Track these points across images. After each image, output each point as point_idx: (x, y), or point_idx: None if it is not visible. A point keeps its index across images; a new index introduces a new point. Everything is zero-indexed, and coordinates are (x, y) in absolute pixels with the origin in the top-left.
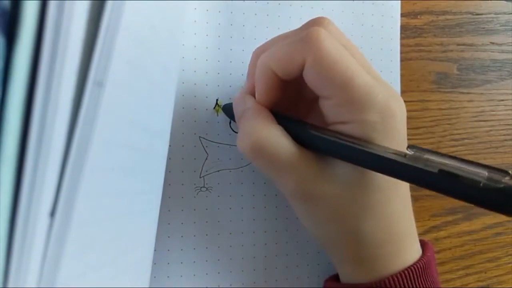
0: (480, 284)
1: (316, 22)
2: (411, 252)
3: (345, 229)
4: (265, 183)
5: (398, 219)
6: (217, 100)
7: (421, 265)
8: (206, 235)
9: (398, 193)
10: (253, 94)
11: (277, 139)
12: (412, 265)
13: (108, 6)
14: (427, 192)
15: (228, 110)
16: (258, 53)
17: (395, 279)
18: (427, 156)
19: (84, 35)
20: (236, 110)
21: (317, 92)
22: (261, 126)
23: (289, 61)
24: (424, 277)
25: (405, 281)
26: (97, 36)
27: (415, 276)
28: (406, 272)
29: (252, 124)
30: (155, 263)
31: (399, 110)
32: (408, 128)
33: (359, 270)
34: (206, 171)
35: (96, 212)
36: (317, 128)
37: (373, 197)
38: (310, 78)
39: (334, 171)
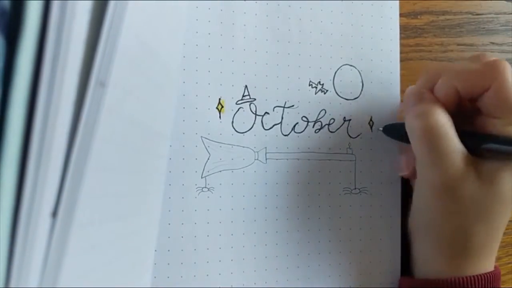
0: None
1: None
2: (490, 262)
3: (468, 225)
4: (266, 183)
5: (502, 229)
6: (219, 99)
7: (497, 273)
8: (207, 236)
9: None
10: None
11: (450, 129)
12: (490, 272)
13: (111, 6)
14: None
15: (390, 131)
16: (436, 71)
17: (476, 279)
18: None
19: (86, 36)
20: (413, 97)
21: (489, 112)
22: (440, 112)
23: (475, 83)
24: (495, 284)
25: (482, 283)
26: (100, 36)
27: (490, 282)
28: (485, 276)
29: (432, 107)
30: (155, 264)
31: None
32: None
33: (451, 266)
34: (208, 172)
35: (97, 212)
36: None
37: (503, 205)
38: (489, 100)
39: (489, 174)
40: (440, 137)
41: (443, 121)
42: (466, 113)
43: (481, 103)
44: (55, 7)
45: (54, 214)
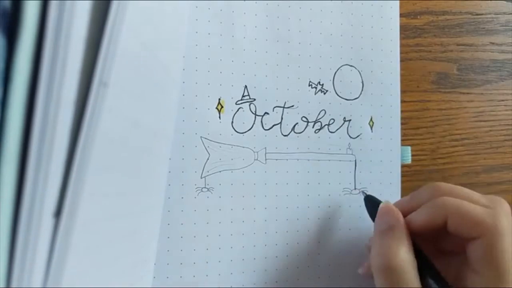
0: None
1: (500, 205)
2: None
3: None
4: (265, 184)
5: None
6: (219, 99)
7: None
8: (207, 236)
9: None
10: (402, 211)
11: (410, 275)
12: None
13: (113, 7)
14: None
15: (369, 203)
16: (438, 188)
17: None
18: None
19: (86, 36)
20: (383, 221)
21: (471, 263)
22: (401, 254)
23: (467, 225)
24: None
25: None
26: (102, 37)
27: None
28: None
29: (394, 247)
30: (154, 264)
31: None
32: (408, 128)
33: None
34: (208, 172)
35: (99, 212)
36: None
37: None
38: (474, 252)
39: None
40: (399, 279)
41: (403, 263)
42: (450, 248)
43: (469, 250)
44: (53, 7)
45: (57, 214)
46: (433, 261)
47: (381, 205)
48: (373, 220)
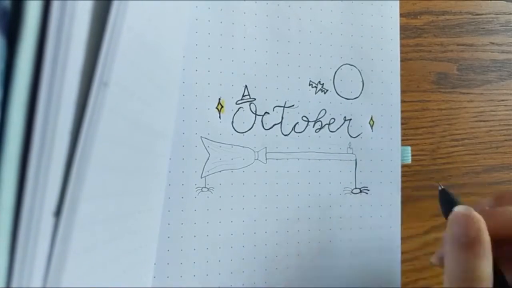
0: None
1: None
2: None
3: None
4: (266, 183)
5: None
6: (219, 99)
7: None
8: (207, 236)
9: None
10: (486, 219)
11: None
12: None
13: (114, 6)
14: (427, 192)
15: (444, 197)
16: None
17: None
18: None
19: (87, 36)
20: (465, 232)
21: None
22: (487, 276)
23: None
24: None
25: None
26: (102, 37)
27: None
28: None
29: (480, 268)
30: (154, 263)
31: None
32: (408, 128)
33: None
34: (208, 172)
35: (99, 212)
36: None
37: None
38: None
39: None
40: (477, 258)
41: (487, 284)
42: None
43: None
44: (55, 7)
45: (57, 213)
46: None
47: (459, 211)
48: (446, 217)
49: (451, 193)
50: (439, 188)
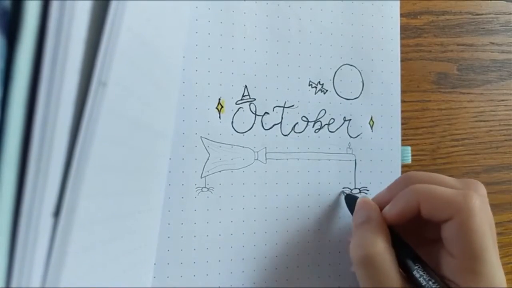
0: None
1: (475, 187)
2: None
3: None
4: (266, 183)
5: None
6: (219, 99)
7: None
8: (207, 235)
9: None
10: (380, 204)
11: (387, 263)
12: None
13: (112, 6)
14: None
15: (349, 201)
16: (411, 177)
17: None
18: None
19: (86, 36)
20: (360, 214)
21: (446, 246)
22: (378, 243)
23: (438, 208)
24: None
25: None
26: (101, 36)
27: None
28: None
29: (371, 237)
30: (155, 263)
31: None
32: (408, 128)
33: None
34: (208, 172)
35: (99, 212)
36: (424, 269)
37: None
38: (447, 233)
39: None
40: (377, 268)
41: (381, 252)
42: (432, 236)
43: (443, 233)
44: (54, 7)
45: (56, 214)
46: (418, 250)
47: (358, 200)
48: (351, 212)
49: (353, 195)
50: (344, 194)
